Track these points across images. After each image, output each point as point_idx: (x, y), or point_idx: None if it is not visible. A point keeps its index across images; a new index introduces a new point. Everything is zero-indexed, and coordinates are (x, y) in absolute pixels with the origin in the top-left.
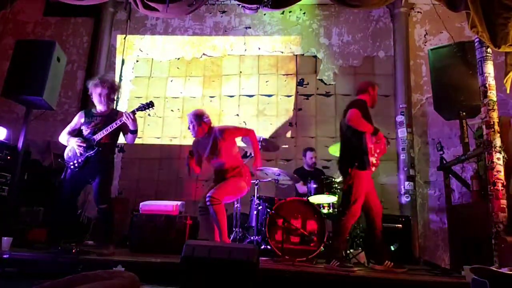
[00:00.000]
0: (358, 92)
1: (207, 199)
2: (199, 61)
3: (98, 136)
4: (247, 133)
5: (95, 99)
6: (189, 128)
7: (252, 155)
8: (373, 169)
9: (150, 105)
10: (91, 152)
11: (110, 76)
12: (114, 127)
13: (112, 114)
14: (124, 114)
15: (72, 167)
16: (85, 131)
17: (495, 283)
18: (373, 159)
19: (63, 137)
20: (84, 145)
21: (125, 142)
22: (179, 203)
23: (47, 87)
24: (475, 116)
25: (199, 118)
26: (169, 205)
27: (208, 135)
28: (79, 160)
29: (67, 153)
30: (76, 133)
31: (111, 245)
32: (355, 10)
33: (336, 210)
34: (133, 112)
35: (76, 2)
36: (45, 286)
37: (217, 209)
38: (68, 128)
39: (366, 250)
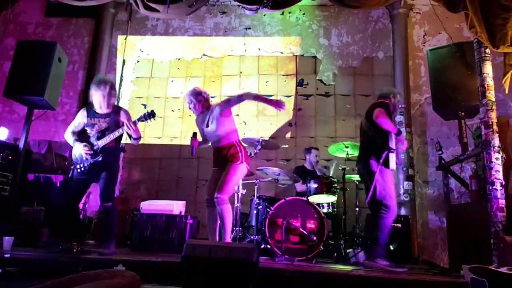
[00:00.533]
0: (380, 97)
1: (215, 200)
2: (200, 61)
3: (102, 143)
4: (241, 98)
5: (97, 101)
6: (190, 108)
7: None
8: (395, 167)
9: (151, 115)
10: (97, 158)
11: (107, 77)
12: (116, 135)
13: (114, 113)
14: (125, 124)
15: (79, 170)
16: (89, 132)
17: (494, 283)
18: (395, 158)
19: (69, 137)
20: (91, 152)
21: (126, 142)
22: (179, 202)
23: (48, 87)
24: (474, 116)
25: (198, 95)
26: (170, 205)
27: (207, 110)
28: (85, 165)
29: (74, 154)
30: (80, 131)
31: (112, 244)
32: (355, 11)
33: (335, 209)
34: (134, 123)
35: (77, 2)
36: (46, 285)
37: (224, 209)
38: (71, 127)
39: (365, 249)
